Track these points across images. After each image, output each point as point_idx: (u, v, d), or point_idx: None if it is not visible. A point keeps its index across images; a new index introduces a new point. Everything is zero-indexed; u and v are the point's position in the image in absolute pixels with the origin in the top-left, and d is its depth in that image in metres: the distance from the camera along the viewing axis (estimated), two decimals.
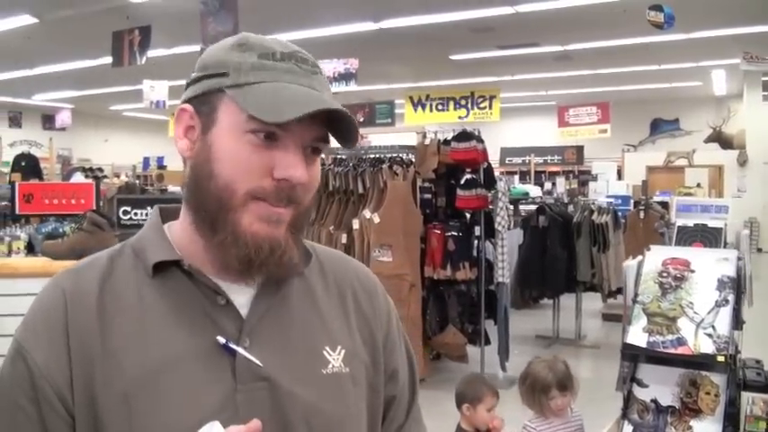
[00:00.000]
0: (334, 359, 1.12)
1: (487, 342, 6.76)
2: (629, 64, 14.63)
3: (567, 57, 13.98)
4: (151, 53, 9.67)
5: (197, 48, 8.39)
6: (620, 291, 8.39)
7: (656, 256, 2.65)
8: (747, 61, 12.67)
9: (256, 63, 1.03)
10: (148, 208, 5.54)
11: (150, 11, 9.73)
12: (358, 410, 1.14)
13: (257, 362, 1.01)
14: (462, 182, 6.77)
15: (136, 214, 5.50)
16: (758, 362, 3.13)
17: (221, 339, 1.00)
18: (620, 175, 16.41)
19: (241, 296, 1.08)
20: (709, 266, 2.50)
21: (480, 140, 6.66)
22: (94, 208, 4.12)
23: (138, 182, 12.99)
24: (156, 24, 9.49)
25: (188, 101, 1.07)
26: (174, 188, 11.07)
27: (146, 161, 19.47)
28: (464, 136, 6.70)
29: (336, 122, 1.05)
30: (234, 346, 1.00)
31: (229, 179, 1.01)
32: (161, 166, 16.94)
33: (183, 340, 1.02)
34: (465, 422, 3.60)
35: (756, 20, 10.91)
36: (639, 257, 2.75)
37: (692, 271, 2.53)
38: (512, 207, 9.24)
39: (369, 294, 1.25)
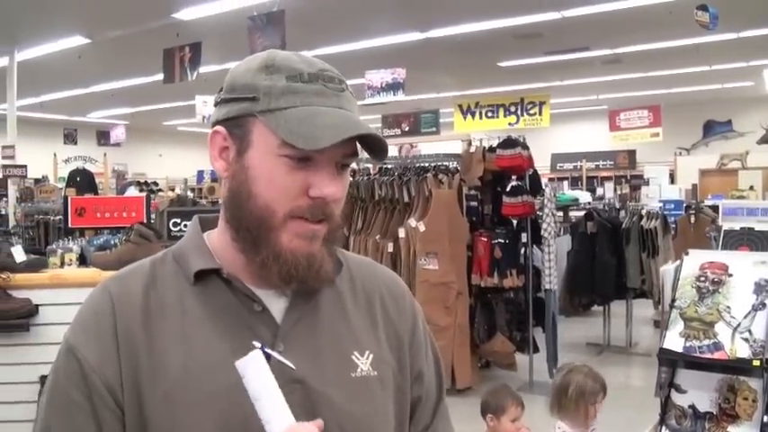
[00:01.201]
0: (363, 363, 1.18)
1: (536, 350, 6.73)
2: (680, 66, 14.39)
3: (616, 60, 13.83)
4: (203, 69, 9.86)
5: None
6: None
7: (693, 261, 2.63)
8: None
9: (285, 87, 1.07)
10: None
11: (200, 28, 9.93)
12: (386, 412, 1.20)
13: (291, 365, 1.06)
14: (508, 189, 6.76)
15: (185, 226, 5.66)
16: None
17: (257, 344, 1.04)
18: (672, 179, 16.10)
19: (276, 304, 1.14)
20: (747, 270, 2.47)
21: (525, 147, 6.65)
22: (143, 221, 4.22)
23: (191, 195, 13.23)
24: (206, 41, 9.68)
25: (220, 122, 1.13)
26: None
27: (200, 174, 19.77)
28: (509, 143, 6.70)
29: (367, 138, 1.10)
30: (269, 351, 1.04)
31: (269, 200, 1.07)
32: (215, 180, 17.17)
33: (222, 344, 1.08)
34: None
35: None
36: (677, 262, 2.73)
37: (730, 275, 2.50)
38: (560, 213, 9.19)
39: (395, 299, 1.30)
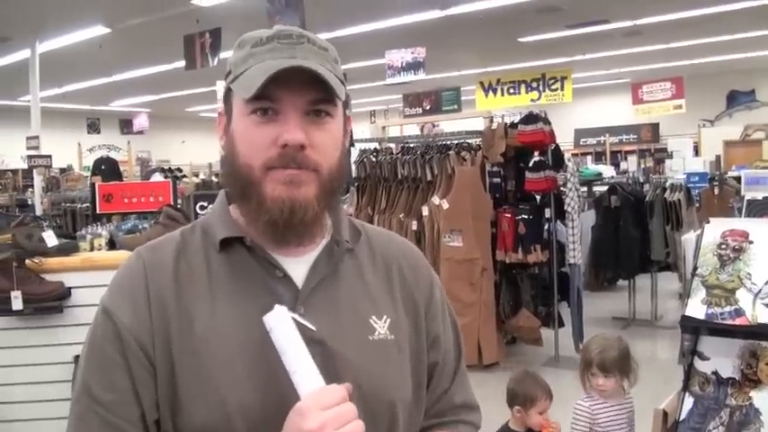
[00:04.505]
0: (381, 327, 1.24)
1: (561, 324, 6.76)
2: (702, 35, 14.18)
3: (637, 32, 13.68)
4: (223, 54, 9.90)
5: None
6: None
7: (715, 229, 2.64)
8: None
9: (247, 54, 1.17)
10: None
11: (219, 13, 9.96)
12: (402, 374, 1.25)
13: (311, 326, 1.12)
14: (531, 164, 6.77)
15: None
16: None
17: (279, 306, 1.10)
18: (696, 152, 15.98)
19: (297, 270, 1.21)
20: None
21: (547, 122, 6.64)
22: (171, 203, 4.29)
23: (214, 179, 13.31)
24: (226, 26, 9.71)
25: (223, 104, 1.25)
26: None
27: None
28: (531, 118, 6.69)
29: (317, 77, 1.13)
30: (291, 313, 1.10)
31: (246, 157, 1.15)
32: None
33: (246, 306, 1.15)
34: (515, 423, 3.50)
35: None
36: (699, 231, 2.75)
37: (751, 242, 2.51)
38: (584, 189, 9.16)
39: (413, 268, 1.36)
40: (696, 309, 2.46)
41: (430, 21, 11.75)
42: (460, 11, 11.41)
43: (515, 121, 6.84)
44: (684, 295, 2.62)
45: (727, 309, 2.38)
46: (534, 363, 6.57)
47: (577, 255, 6.59)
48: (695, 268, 2.61)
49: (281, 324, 1.08)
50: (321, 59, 1.16)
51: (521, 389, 3.47)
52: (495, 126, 6.95)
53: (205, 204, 5.81)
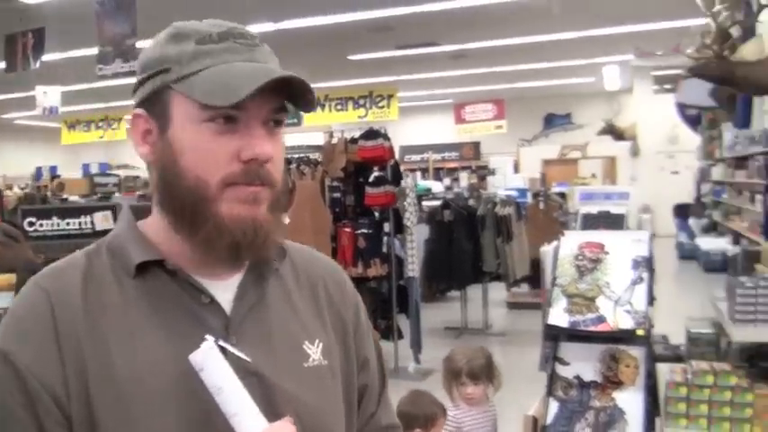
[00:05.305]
0: (314, 352, 1.14)
1: (400, 336, 6.89)
2: (524, 61, 15.07)
3: (463, 55, 14.28)
4: (45, 57, 9.34)
5: (94, 50, 8.16)
6: (524, 279, 8.71)
7: (571, 241, 2.80)
8: (638, 56, 13.26)
9: (195, 50, 1.02)
10: (54, 218, 5.37)
11: (44, 12, 9.39)
12: (337, 401, 1.17)
13: (247, 358, 1.02)
14: (371, 179, 6.88)
15: (41, 225, 5.33)
16: (664, 337, 3.35)
17: (210, 338, 0.99)
18: (516, 169, 16.88)
19: (222, 294, 1.08)
20: (624, 248, 2.67)
21: (387, 138, 6.82)
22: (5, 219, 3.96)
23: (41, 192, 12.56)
24: (51, 26, 9.18)
25: (139, 105, 1.07)
26: (73, 197, 10.73)
27: (38, 171, 18.79)
28: (371, 134, 6.84)
29: (290, 90, 1.04)
30: (224, 344, 1.00)
31: (199, 171, 1.01)
32: (54, 176, 16.39)
33: (172, 340, 1.01)
34: None
35: (647, 18, 11.40)
36: (555, 243, 2.90)
37: (607, 253, 2.69)
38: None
39: (338, 285, 1.26)
40: (559, 317, 2.60)
41: (262, 33, 11.54)
42: (293, 25, 11.43)
43: (356, 137, 6.95)
44: (545, 305, 2.76)
45: (590, 316, 2.53)
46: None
47: (416, 268, 6.76)
48: (555, 278, 2.75)
49: (212, 362, 0.97)
50: (277, 64, 1.07)
51: (419, 410, 3.27)
52: (335, 141, 7.01)
53: (34, 221, 5.41)
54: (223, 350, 0.99)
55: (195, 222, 1.03)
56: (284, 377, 1.08)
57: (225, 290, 1.08)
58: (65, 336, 0.98)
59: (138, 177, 15.67)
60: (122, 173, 16.19)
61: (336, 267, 1.33)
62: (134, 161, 19.59)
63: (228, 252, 1.04)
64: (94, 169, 18.05)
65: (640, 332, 2.44)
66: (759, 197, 8.39)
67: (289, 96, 1.05)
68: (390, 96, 13.77)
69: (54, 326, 0.98)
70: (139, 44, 7.65)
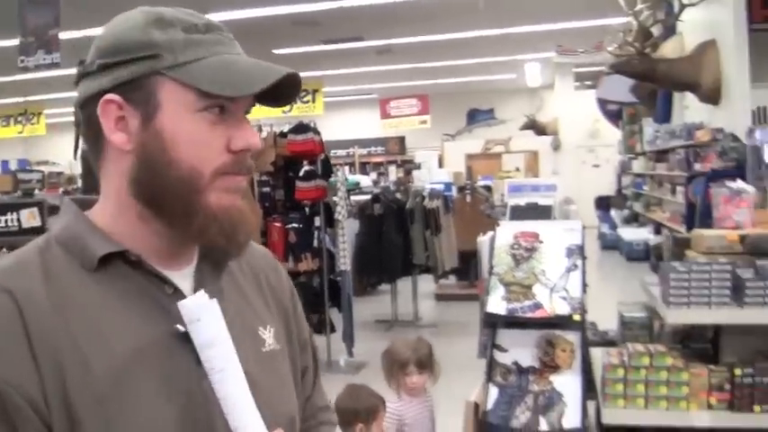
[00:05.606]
0: (268, 338, 1.15)
1: (332, 330, 6.92)
2: (448, 58, 15.25)
3: (388, 50, 14.36)
4: None
5: (14, 41, 7.90)
6: (452, 271, 8.84)
7: (506, 231, 2.88)
8: (560, 54, 13.60)
9: (186, 39, 1.00)
10: None
11: None
12: (291, 384, 1.19)
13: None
14: (301, 174, 6.88)
15: None
16: (592, 323, 3.47)
17: (181, 328, 0.98)
18: (441, 163, 17.09)
19: (181, 283, 1.06)
20: (557, 237, 2.77)
21: (317, 132, 6.81)
22: None
23: None
24: None
25: (111, 90, 1.00)
26: None
27: None
28: (301, 128, 6.83)
29: (279, 86, 1.03)
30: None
31: (195, 162, 0.99)
32: None
33: (143, 332, 0.99)
34: None
35: (569, 16, 11.67)
36: (491, 233, 2.98)
37: (541, 242, 2.78)
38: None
39: (276, 272, 1.28)
40: (497, 305, 2.68)
41: None
42: (218, 18, 11.20)
43: (285, 131, 6.93)
44: (483, 294, 2.84)
45: (527, 303, 2.62)
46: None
47: (348, 261, 6.79)
48: (492, 268, 2.82)
49: (210, 313, 0.96)
50: None
51: (359, 404, 3.22)
52: (264, 135, 6.97)
53: None
54: (188, 338, 0.97)
55: (188, 212, 1.01)
56: (250, 365, 1.06)
57: (182, 279, 1.07)
58: (38, 340, 0.92)
59: (61, 173, 15.25)
60: (44, 169, 15.74)
61: (270, 254, 1.34)
62: (55, 157, 19.08)
63: (223, 239, 1.03)
64: (14, 166, 17.46)
65: (577, 317, 2.54)
66: (680, 188, 8.69)
67: (275, 91, 1.04)
68: (315, 91, 13.71)
69: (24, 329, 0.92)
70: (63, 35, 7.47)
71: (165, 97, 0.99)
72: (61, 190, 11.50)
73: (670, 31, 9.30)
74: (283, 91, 1.06)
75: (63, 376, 0.91)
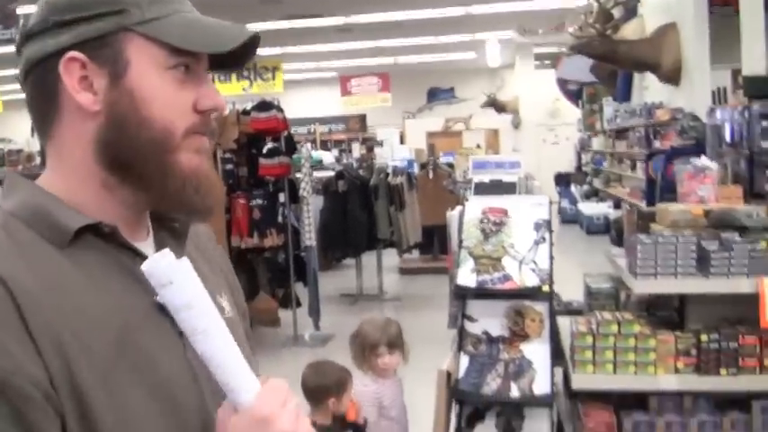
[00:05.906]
0: (226, 305, 1.12)
1: (298, 304, 6.98)
2: (408, 35, 15.24)
3: (349, 29, 14.31)
4: None
5: None
6: (416, 246, 8.95)
7: (475, 206, 2.96)
8: (521, 34, 13.70)
9: None
10: None
11: None
12: (249, 352, 1.13)
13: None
14: (265, 151, 6.90)
15: None
16: (557, 294, 3.57)
17: (159, 299, 0.93)
18: (402, 141, 17.16)
19: (148, 252, 1.00)
20: (525, 211, 2.85)
21: (280, 109, 6.85)
22: None
23: None
24: None
25: (71, 48, 0.93)
26: None
27: None
28: (264, 105, 6.86)
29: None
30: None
31: (166, 121, 0.95)
32: None
33: (128, 306, 0.94)
34: (323, 416, 3.19)
35: None
36: (459, 207, 3.05)
37: (509, 217, 2.86)
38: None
39: (212, 241, 1.24)
40: (467, 277, 2.76)
41: None
42: None
43: (248, 108, 6.94)
44: (453, 266, 2.91)
45: (496, 275, 2.70)
46: (275, 344, 6.71)
47: (313, 236, 6.85)
48: (461, 241, 2.90)
49: (183, 274, 0.91)
50: None
51: (328, 379, 3.22)
52: (227, 113, 6.96)
53: None
54: (163, 309, 0.93)
55: (163, 174, 0.96)
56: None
57: (147, 249, 1.01)
58: (35, 323, 0.84)
59: (20, 151, 14.98)
60: (2, 147, 15.45)
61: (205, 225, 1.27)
62: (12, 135, 18.75)
63: (200, 201, 0.99)
64: None
65: (546, 288, 2.63)
66: (640, 165, 8.89)
67: (233, 53, 0.99)
68: (275, 68, 13.71)
69: (18, 314, 0.83)
70: (20, 10, 7.36)
71: (134, 55, 0.94)
72: (20, 167, 11.32)
73: (631, 13, 9.47)
74: (240, 53, 1.00)
75: (67, 358, 0.84)
